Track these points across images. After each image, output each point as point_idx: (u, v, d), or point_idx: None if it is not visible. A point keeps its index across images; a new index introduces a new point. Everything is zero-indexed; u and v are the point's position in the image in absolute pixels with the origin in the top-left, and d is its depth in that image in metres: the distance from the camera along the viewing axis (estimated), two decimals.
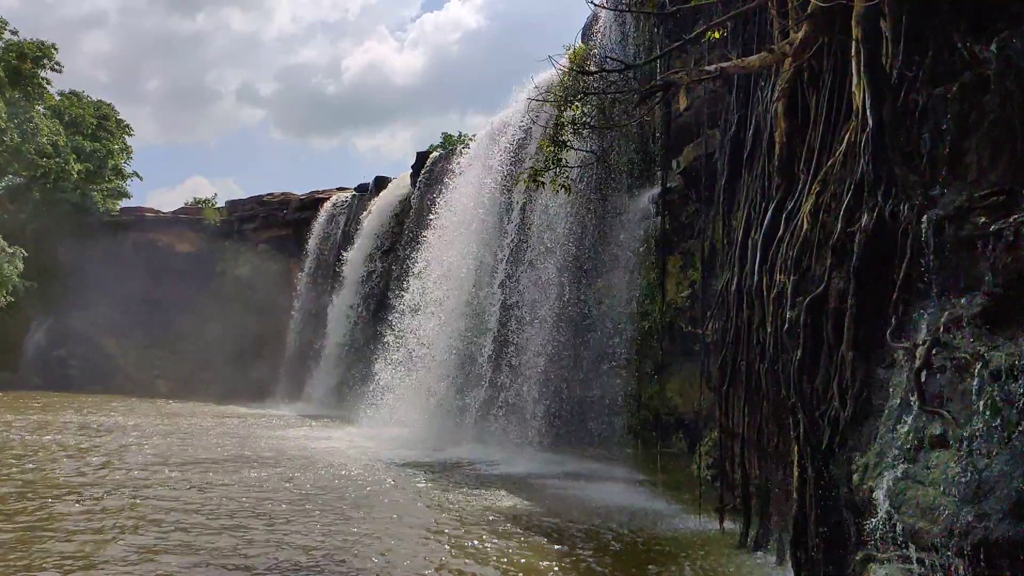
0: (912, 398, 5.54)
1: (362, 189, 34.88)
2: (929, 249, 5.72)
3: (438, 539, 9.49)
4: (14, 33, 34.90)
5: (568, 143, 11.15)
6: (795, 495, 7.03)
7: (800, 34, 7.76)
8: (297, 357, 32.98)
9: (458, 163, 23.49)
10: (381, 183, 33.35)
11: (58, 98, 39.51)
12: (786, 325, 7.25)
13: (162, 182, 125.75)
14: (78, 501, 10.89)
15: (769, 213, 8.54)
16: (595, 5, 14.32)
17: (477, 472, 15.01)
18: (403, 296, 22.25)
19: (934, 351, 5.48)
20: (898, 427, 5.64)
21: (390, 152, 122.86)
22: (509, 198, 20.08)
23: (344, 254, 31.70)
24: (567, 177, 11.36)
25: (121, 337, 36.67)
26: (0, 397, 28.72)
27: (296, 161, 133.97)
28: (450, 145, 34.30)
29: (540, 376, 17.57)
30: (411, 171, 30.18)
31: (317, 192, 37.64)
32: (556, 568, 8.43)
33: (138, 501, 10.97)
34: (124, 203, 41.71)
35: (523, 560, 8.66)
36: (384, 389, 20.92)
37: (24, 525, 9.43)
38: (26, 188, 36.72)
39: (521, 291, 18.64)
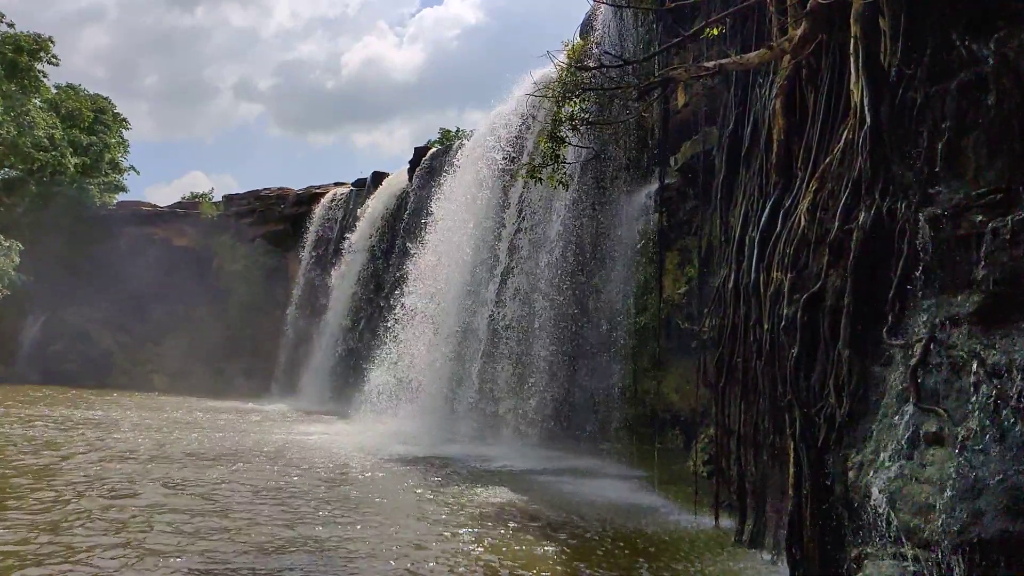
0: (909, 395, 5.56)
1: (359, 184, 34.81)
2: (926, 247, 5.73)
3: (430, 534, 9.49)
4: (10, 26, 34.73)
5: (566, 139, 11.14)
6: (791, 492, 7.05)
7: (799, 31, 7.76)
8: (293, 352, 32.95)
9: (456, 158, 23.46)
10: (378, 178, 33.30)
11: (55, 91, 39.34)
12: (783, 322, 7.27)
13: (159, 177, 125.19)
14: (64, 496, 10.83)
15: (767, 210, 8.56)
16: (594, 1, 14.30)
17: (472, 468, 15.01)
18: (399, 291, 22.25)
19: (930, 349, 5.49)
20: (894, 425, 5.65)
21: (388, 148, 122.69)
22: (507, 194, 20.08)
23: (341, 249, 31.66)
24: (565, 173, 11.36)
25: (117, 332, 36.62)
26: None
27: (294, 157, 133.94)
28: (448, 141, 34.23)
29: (536, 372, 17.59)
30: (408, 166, 30.13)
31: (314, 187, 37.54)
32: (548, 563, 8.44)
33: (125, 497, 10.89)
34: (121, 197, 41.65)
35: (516, 555, 8.67)
36: (379, 384, 20.91)
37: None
38: (22, 182, 36.58)
39: (518, 287, 18.65)
